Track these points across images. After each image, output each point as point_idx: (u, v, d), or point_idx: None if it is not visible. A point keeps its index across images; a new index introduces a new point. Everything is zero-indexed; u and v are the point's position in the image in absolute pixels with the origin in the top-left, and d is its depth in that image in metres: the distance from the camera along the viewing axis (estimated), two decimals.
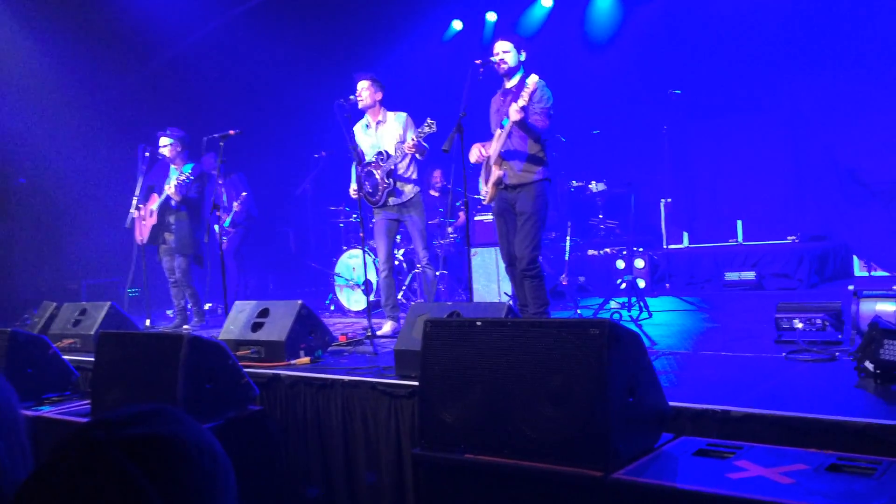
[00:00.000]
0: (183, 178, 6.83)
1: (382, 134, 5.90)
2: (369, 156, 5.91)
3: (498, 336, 2.63)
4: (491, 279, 7.13)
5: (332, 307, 8.19)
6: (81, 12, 8.54)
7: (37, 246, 9.79)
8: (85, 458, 0.87)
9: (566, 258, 7.39)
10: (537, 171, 4.99)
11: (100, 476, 0.85)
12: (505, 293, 6.91)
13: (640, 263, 7.56)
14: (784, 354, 3.77)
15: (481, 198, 5.33)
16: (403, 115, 5.89)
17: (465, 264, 4.98)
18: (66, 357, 4.79)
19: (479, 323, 2.71)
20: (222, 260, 5.71)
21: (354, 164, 5.92)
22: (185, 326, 6.98)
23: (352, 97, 5.78)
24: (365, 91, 5.82)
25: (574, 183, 8.76)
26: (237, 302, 5.24)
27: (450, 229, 7.82)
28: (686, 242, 8.63)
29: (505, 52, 5.08)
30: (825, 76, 7.72)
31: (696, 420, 2.83)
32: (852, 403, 2.82)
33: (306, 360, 4.58)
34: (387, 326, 5.81)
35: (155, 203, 7.07)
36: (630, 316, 5.79)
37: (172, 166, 7.13)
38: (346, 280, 7.85)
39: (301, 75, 9.88)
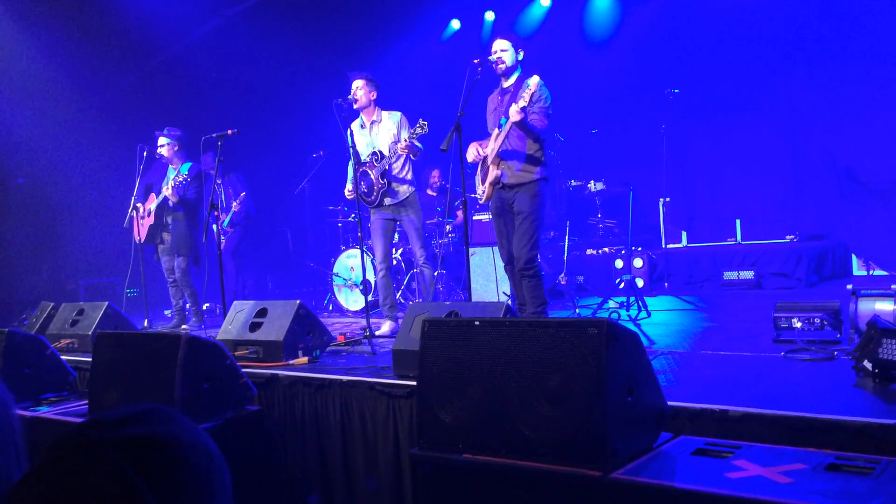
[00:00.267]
0: (180, 178, 6.83)
1: (377, 134, 5.89)
2: (364, 155, 5.91)
3: (496, 336, 2.63)
4: (489, 279, 7.13)
5: (331, 307, 8.18)
6: (80, 12, 8.53)
7: (34, 246, 9.79)
8: (80, 458, 0.87)
9: (565, 257, 7.40)
10: (535, 170, 4.99)
11: (95, 476, 0.85)
12: (503, 293, 6.90)
13: (638, 263, 7.56)
14: (783, 354, 3.77)
15: (477, 197, 5.33)
16: (398, 114, 5.89)
17: (464, 264, 4.98)
18: (63, 357, 4.78)
19: (477, 323, 2.71)
20: (220, 260, 5.71)
21: (350, 163, 5.92)
22: (183, 326, 6.98)
23: (350, 97, 5.78)
24: (360, 90, 5.81)
25: (572, 182, 8.76)
26: (235, 302, 5.24)
27: (448, 228, 7.82)
28: (684, 242, 8.62)
29: (503, 50, 5.08)
30: (823, 75, 7.72)
31: (695, 419, 2.83)
32: (851, 403, 2.82)
33: (304, 360, 4.57)
34: (385, 326, 5.81)
35: (153, 202, 7.07)
36: (629, 315, 5.79)
37: (170, 166, 7.13)
38: (345, 280, 7.85)
39: (299, 75, 9.88)
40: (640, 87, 8.96)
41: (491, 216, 5.33)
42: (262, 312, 4.86)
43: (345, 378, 3.97)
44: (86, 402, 4.06)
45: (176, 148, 7.06)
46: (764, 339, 4.26)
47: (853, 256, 7.59)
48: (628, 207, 7.06)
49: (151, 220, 7.06)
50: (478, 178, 5.33)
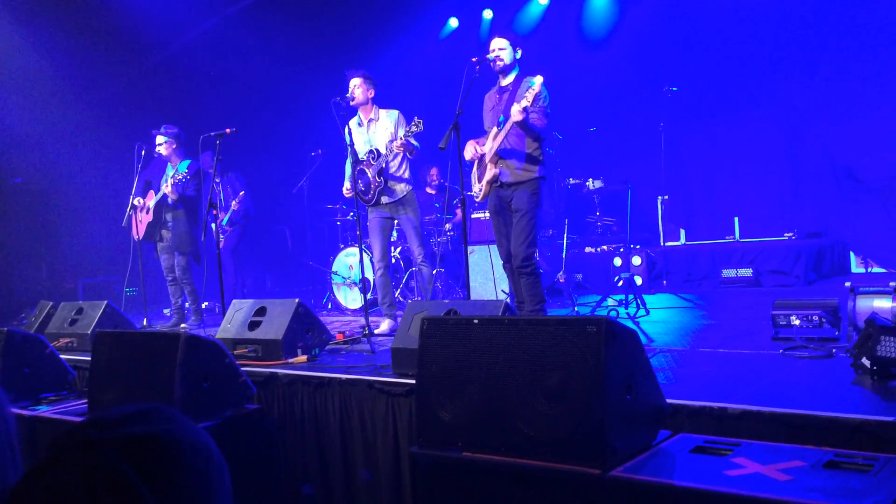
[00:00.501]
0: (179, 176, 6.82)
1: (375, 132, 5.89)
2: (362, 153, 5.90)
3: (495, 334, 2.63)
4: (488, 277, 7.13)
5: (330, 305, 8.19)
6: (77, 11, 8.52)
7: (33, 245, 9.78)
8: (79, 458, 0.87)
9: (563, 255, 7.40)
10: (534, 169, 5.00)
11: (94, 475, 0.85)
12: (502, 291, 6.91)
13: (637, 261, 7.56)
14: (781, 351, 3.78)
15: (473, 195, 5.33)
16: (395, 112, 5.89)
17: (463, 262, 4.98)
18: (62, 356, 4.77)
19: (476, 321, 2.71)
20: (219, 258, 5.71)
21: (348, 161, 5.91)
22: (182, 325, 6.97)
23: (348, 95, 5.78)
24: (357, 88, 5.81)
25: (571, 180, 8.76)
26: (234, 300, 5.23)
27: (447, 226, 7.82)
28: (683, 239, 8.63)
29: (501, 49, 5.07)
30: (822, 73, 7.73)
31: (694, 417, 2.83)
32: (849, 400, 2.82)
33: (303, 358, 4.57)
34: (384, 324, 5.81)
35: (152, 200, 7.06)
36: (627, 313, 5.80)
37: (169, 164, 7.12)
38: (344, 278, 7.85)
39: (297, 73, 9.87)
40: (639, 85, 8.96)
41: (489, 214, 5.34)
42: (261, 311, 4.85)
43: (344, 376, 3.97)
44: (85, 401, 4.06)
45: (174, 146, 7.05)
46: (762, 336, 4.27)
47: (851, 254, 7.60)
48: (627, 205, 7.07)
49: (150, 217, 7.05)
50: (474, 176, 5.33)
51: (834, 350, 3.66)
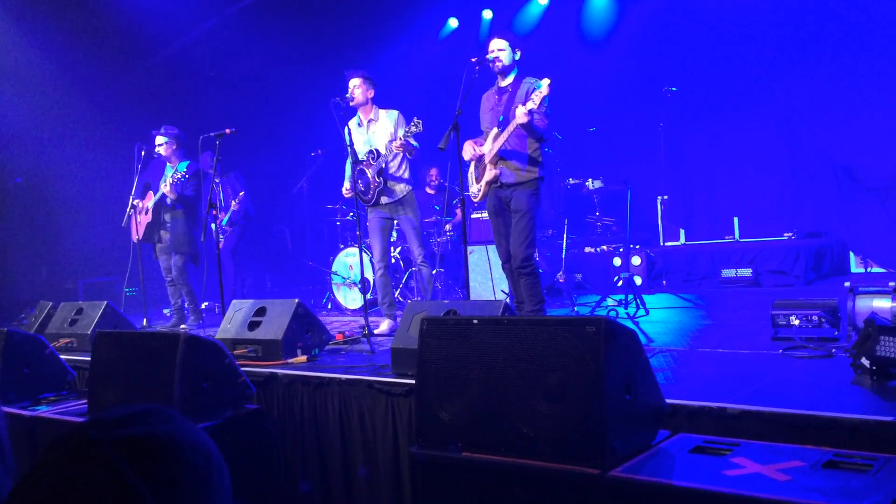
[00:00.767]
0: (178, 175, 6.82)
1: (374, 132, 5.89)
2: (361, 154, 5.91)
3: (495, 334, 2.63)
4: (487, 277, 7.13)
5: (329, 305, 8.19)
6: (77, 11, 8.52)
7: (33, 245, 9.78)
8: (79, 458, 0.87)
9: (563, 255, 7.40)
10: (534, 170, 5.00)
11: (93, 475, 0.85)
12: (502, 291, 6.91)
13: (636, 261, 7.56)
14: (780, 351, 3.78)
15: (471, 195, 5.33)
16: (395, 112, 5.89)
17: (462, 262, 4.98)
18: (62, 357, 4.78)
19: (475, 321, 2.71)
20: (219, 259, 5.71)
21: (348, 161, 5.92)
22: (181, 325, 6.97)
23: (347, 95, 5.78)
24: (357, 89, 5.81)
25: (570, 180, 8.76)
26: (234, 301, 5.24)
27: (447, 227, 7.82)
28: (683, 239, 8.63)
29: (500, 50, 5.08)
30: (821, 73, 7.73)
31: (693, 417, 2.83)
32: (848, 400, 2.82)
33: (303, 358, 4.57)
34: (384, 325, 5.81)
35: (151, 200, 7.07)
36: (627, 313, 5.80)
37: (168, 164, 7.13)
38: (343, 278, 7.85)
39: (297, 74, 9.87)
40: (638, 85, 8.96)
41: (488, 215, 5.34)
42: (260, 311, 4.85)
43: (343, 377, 3.97)
44: (85, 401, 4.06)
45: (174, 146, 7.05)
46: (762, 336, 4.27)
47: (851, 254, 7.60)
48: (626, 205, 7.07)
49: (149, 217, 7.06)
50: (471, 177, 5.33)
51: (833, 350, 3.66)
